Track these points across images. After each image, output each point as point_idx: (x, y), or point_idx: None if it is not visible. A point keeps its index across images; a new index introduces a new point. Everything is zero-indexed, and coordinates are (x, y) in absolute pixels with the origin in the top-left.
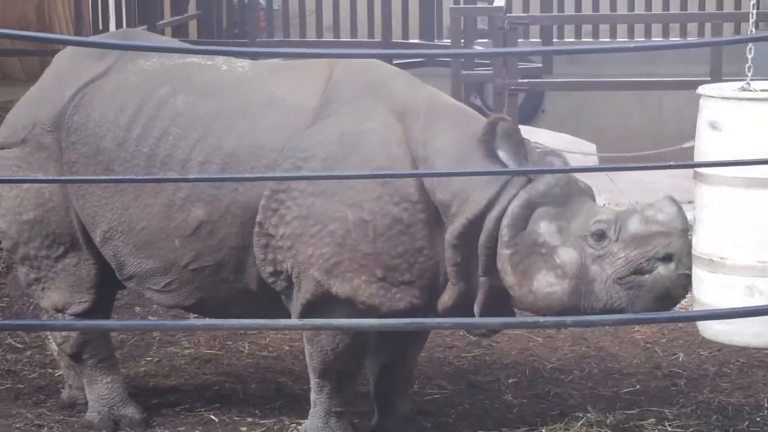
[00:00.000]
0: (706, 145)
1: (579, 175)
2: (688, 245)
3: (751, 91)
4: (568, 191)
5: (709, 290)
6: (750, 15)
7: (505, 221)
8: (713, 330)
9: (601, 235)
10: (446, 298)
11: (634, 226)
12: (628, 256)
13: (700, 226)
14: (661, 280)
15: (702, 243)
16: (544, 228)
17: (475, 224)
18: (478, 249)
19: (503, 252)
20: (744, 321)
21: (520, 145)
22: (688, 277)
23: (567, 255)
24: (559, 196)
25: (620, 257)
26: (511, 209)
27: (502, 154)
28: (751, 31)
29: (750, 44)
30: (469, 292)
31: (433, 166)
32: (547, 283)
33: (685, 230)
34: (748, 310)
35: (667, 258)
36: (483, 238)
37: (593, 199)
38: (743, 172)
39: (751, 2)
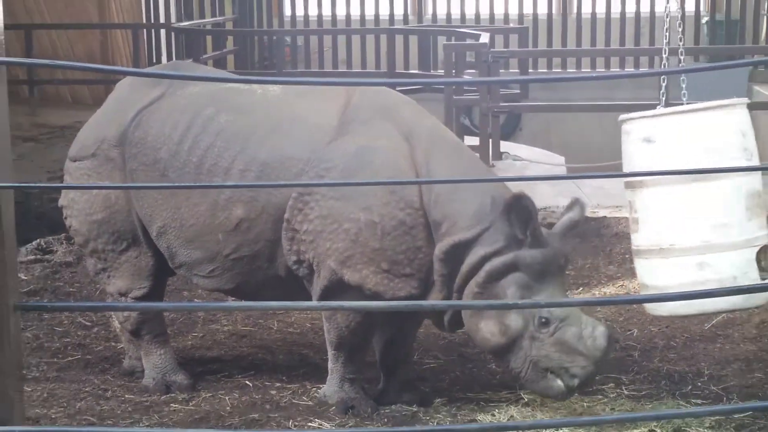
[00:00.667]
0: (640, 158)
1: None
2: (596, 373)
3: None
4: (546, 270)
5: (662, 274)
6: (663, 50)
7: (486, 267)
8: (666, 308)
9: (544, 324)
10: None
11: (569, 335)
12: (551, 355)
13: (645, 224)
14: (560, 388)
15: (651, 236)
16: (511, 292)
17: (459, 247)
18: (459, 271)
19: (473, 287)
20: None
21: (530, 219)
22: (576, 391)
23: (515, 322)
24: (537, 271)
25: (545, 351)
26: (496, 262)
27: (512, 217)
28: (664, 65)
29: (663, 76)
30: (450, 298)
31: (432, 188)
32: (489, 332)
33: (601, 360)
34: (701, 292)
35: (575, 377)
36: (466, 268)
37: (564, 272)
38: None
39: (664, 41)
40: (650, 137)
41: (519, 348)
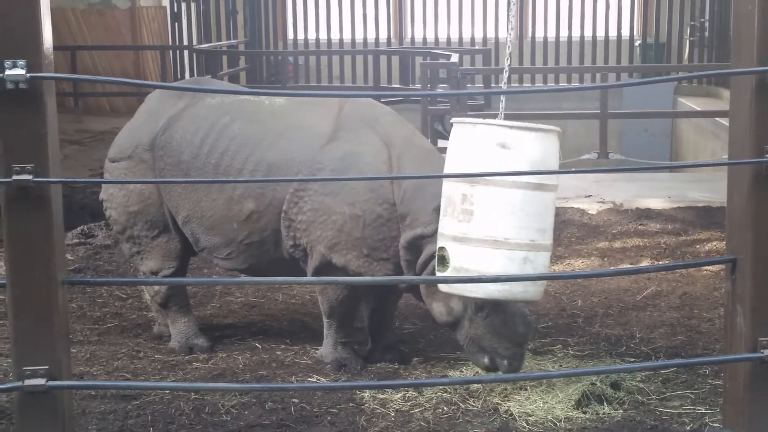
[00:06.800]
0: (494, 159)
1: None
2: (523, 353)
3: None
4: None
5: (494, 262)
6: (504, 71)
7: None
8: (486, 289)
9: (480, 308)
10: None
11: (497, 321)
12: (484, 335)
13: (482, 216)
14: (485, 364)
15: (486, 228)
16: None
17: (420, 239)
18: (419, 259)
19: (429, 273)
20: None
21: None
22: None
23: (457, 306)
24: None
25: (479, 332)
26: None
27: None
28: (505, 83)
29: (503, 96)
30: None
31: (401, 187)
32: (439, 311)
33: (526, 343)
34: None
35: (504, 357)
36: (423, 258)
37: None
38: (519, 178)
39: (506, 63)
40: (506, 144)
41: (462, 326)
